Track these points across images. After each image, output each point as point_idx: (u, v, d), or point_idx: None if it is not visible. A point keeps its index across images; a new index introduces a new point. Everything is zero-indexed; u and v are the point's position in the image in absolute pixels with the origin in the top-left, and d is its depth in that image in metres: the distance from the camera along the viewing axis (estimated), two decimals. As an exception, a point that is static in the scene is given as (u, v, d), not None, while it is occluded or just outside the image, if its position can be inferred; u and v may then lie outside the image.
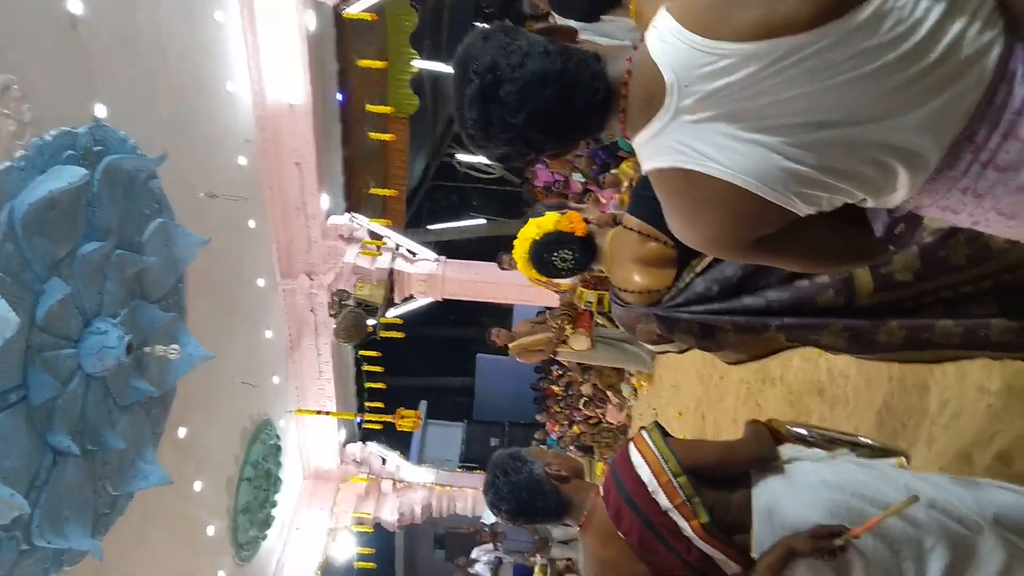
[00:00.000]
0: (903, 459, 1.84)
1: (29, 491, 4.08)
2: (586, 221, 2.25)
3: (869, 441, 1.94)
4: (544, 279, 2.43)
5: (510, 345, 7.26)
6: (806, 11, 0.99)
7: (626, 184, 7.48)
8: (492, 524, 9.21)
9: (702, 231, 1.16)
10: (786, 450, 1.84)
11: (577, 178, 9.14)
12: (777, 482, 1.73)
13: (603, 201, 8.03)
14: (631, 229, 1.97)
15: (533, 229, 2.29)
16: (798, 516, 1.66)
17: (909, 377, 3.05)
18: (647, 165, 1.15)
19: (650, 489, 1.71)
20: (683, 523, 1.67)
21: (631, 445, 1.80)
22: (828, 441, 1.91)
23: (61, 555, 4.52)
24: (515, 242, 2.35)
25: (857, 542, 1.59)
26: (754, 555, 1.69)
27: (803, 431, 1.93)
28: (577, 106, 1.10)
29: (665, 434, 1.79)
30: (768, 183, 1.06)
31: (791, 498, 1.69)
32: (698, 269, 1.91)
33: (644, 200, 1.95)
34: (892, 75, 1.01)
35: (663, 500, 1.69)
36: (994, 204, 1.11)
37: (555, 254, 2.22)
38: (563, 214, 2.27)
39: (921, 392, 2.95)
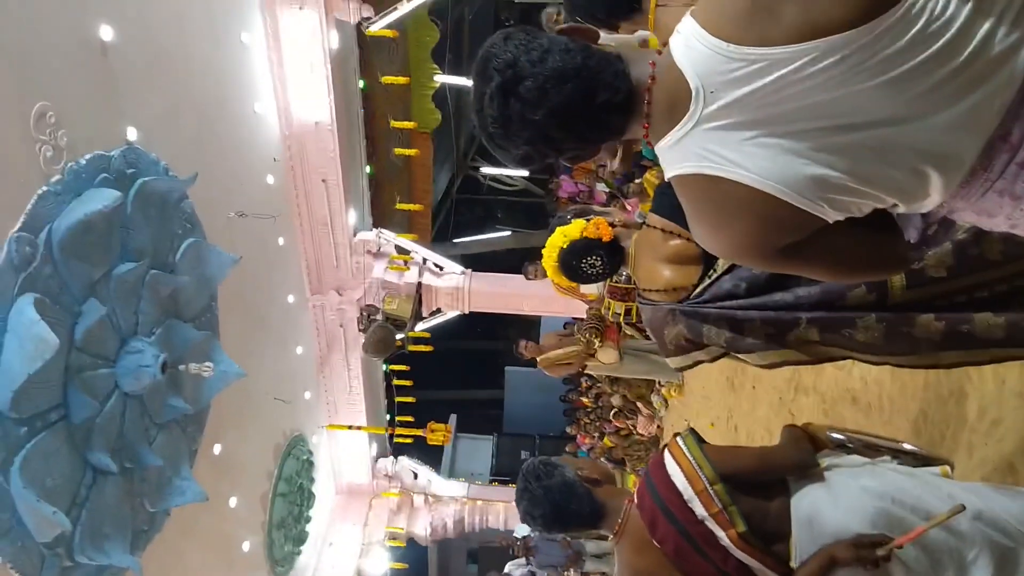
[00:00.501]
0: (947, 468, 1.79)
1: (70, 509, 4.17)
2: (612, 225, 2.26)
3: (911, 448, 1.89)
4: (573, 287, 2.45)
5: (538, 359, 7.23)
6: (839, 14, 0.98)
7: (651, 194, 7.44)
8: (524, 538, 9.14)
9: (727, 238, 1.14)
10: (825, 458, 1.80)
11: (601, 188, 9.12)
12: (817, 490, 1.69)
13: (629, 209, 8.01)
14: (655, 227, 1.97)
15: (560, 237, 2.30)
16: (839, 524, 1.62)
17: (945, 384, 2.98)
18: (670, 171, 1.14)
19: (685, 497, 1.68)
20: (720, 532, 1.64)
21: (666, 452, 1.77)
22: (868, 447, 1.87)
23: (102, 571, 4.59)
24: (543, 251, 2.36)
25: (899, 552, 1.56)
26: (793, 564, 1.65)
27: (842, 436, 1.89)
28: (598, 103, 1.07)
29: (700, 440, 1.76)
30: (796, 188, 1.05)
31: (831, 506, 1.65)
32: (725, 266, 1.88)
33: (667, 198, 1.95)
34: (922, 76, 1.00)
35: (699, 509, 1.66)
36: None
37: (584, 260, 2.24)
38: (588, 220, 2.28)
39: (958, 399, 2.88)
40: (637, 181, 7.54)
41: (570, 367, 6.96)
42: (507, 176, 15.33)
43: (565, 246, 2.28)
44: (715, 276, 1.89)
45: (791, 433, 1.83)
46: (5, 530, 3.78)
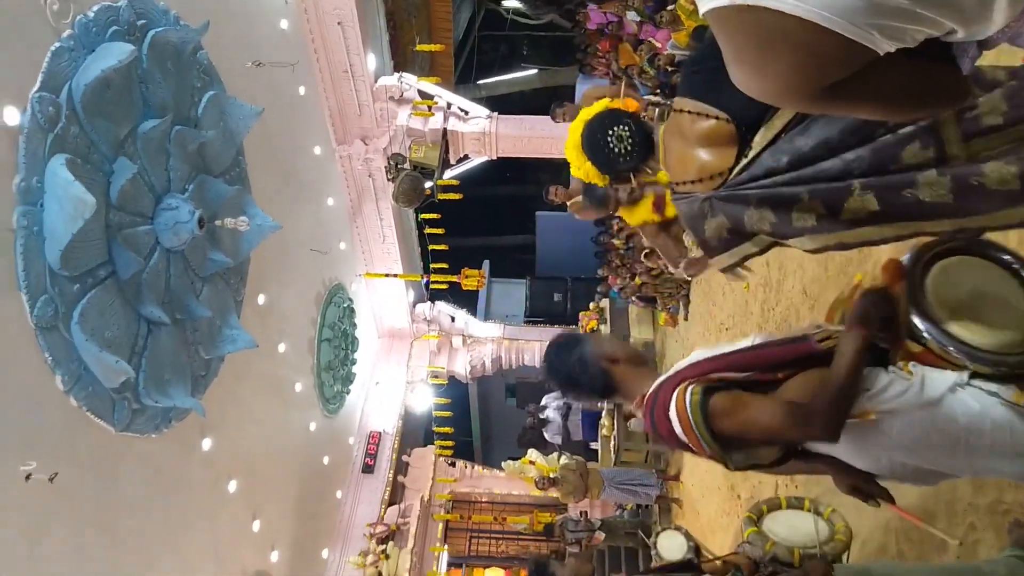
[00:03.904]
0: (1020, 394, 1.55)
1: (131, 358, 4.45)
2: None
3: (988, 357, 1.56)
4: (599, 179, 2.19)
5: (568, 203, 7.19)
6: None
7: (685, 22, 7.00)
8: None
9: (769, 78, 1.05)
10: (874, 398, 1.57)
11: (632, 17, 8.60)
12: (849, 447, 1.61)
13: (658, 44, 7.58)
14: (683, 111, 1.75)
15: (584, 116, 2.16)
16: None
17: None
18: (706, 5, 1.06)
19: (682, 440, 1.70)
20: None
21: (672, 401, 1.69)
22: (943, 345, 1.58)
23: (168, 413, 4.99)
24: (567, 140, 2.20)
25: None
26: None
27: (923, 327, 1.58)
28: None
29: (712, 390, 1.64)
30: (846, 16, 0.96)
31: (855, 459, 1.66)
32: (762, 144, 1.67)
33: (695, 78, 1.77)
34: None
35: (694, 448, 1.69)
36: None
37: (610, 131, 2.04)
38: (613, 100, 2.14)
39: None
40: (670, 8, 7.07)
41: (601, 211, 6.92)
42: (531, 9, 14.48)
43: (589, 118, 2.11)
44: (752, 155, 1.69)
45: (846, 355, 1.54)
46: (76, 378, 4.08)
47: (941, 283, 1.63)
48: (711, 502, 6.50)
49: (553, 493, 8.51)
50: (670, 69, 7.02)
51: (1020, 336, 1.56)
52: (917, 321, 1.59)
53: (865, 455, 1.64)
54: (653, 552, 3.78)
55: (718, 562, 2.78)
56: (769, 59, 1.02)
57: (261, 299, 6.63)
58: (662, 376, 1.78)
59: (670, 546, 3.80)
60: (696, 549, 3.77)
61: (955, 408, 1.54)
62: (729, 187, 1.73)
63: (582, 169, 2.14)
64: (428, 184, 8.29)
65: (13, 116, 3.66)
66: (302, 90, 7.53)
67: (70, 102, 3.93)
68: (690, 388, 1.65)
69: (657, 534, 3.93)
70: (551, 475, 8.44)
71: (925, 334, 1.58)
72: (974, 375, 1.56)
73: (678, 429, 1.68)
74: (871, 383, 1.59)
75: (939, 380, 1.56)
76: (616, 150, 2.02)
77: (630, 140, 2.00)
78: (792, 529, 2.78)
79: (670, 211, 4.14)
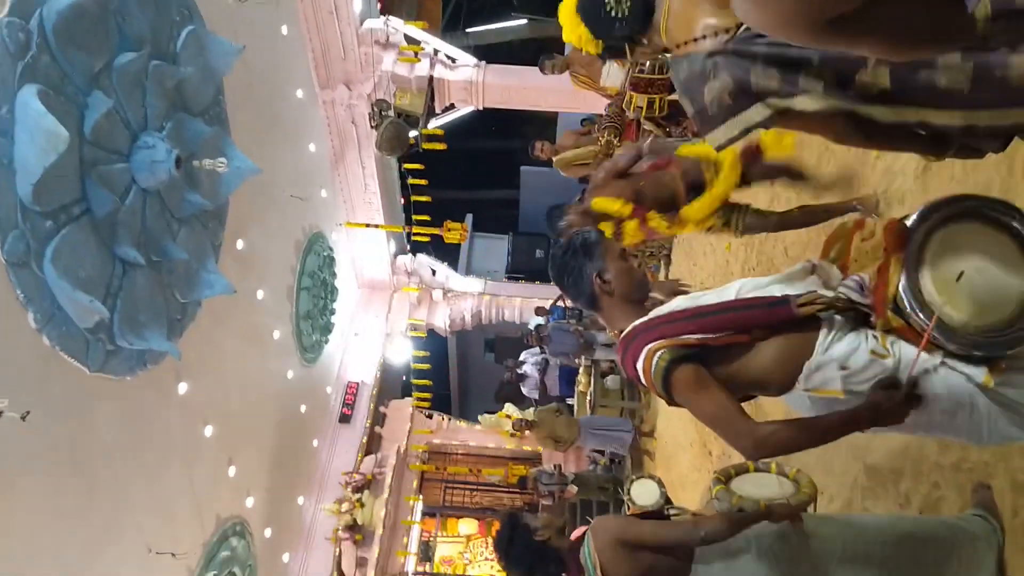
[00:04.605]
0: (990, 378, 1.52)
1: (105, 299, 4.37)
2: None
3: (968, 340, 1.51)
4: (593, 46, 2.09)
5: (554, 159, 7.13)
6: None
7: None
8: (538, 327, 9.63)
9: (773, 9, 1.06)
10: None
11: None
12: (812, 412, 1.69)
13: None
14: None
15: None
16: None
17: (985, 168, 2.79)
18: None
19: (643, 382, 1.77)
20: None
21: (641, 358, 1.73)
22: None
23: (143, 355, 4.93)
24: (562, 2, 2.10)
25: None
26: None
27: (910, 307, 1.52)
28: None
29: (680, 360, 1.68)
30: None
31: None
32: None
33: None
34: None
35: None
36: None
37: None
38: None
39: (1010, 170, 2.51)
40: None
41: (587, 168, 6.87)
42: (523, -43, 14.11)
43: None
44: None
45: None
46: (48, 316, 4.01)
47: (943, 252, 1.53)
48: (683, 458, 6.62)
49: (528, 445, 8.64)
50: None
51: (1008, 316, 1.49)
52: (906, 298, 1.53)
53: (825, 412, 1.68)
54: (626, 498, 3.86)
55: (688, 515, 2.84)
56: None
57: (240, 244, 6.53)
58: (641, 319, 1.79)
59: (643, 492, 3.89)
60: (667, 497, 3.86)
61: (923, 391, 1.55)
62: (740, 39, 1.63)
63: (575, 33, 2.05)
64: (412, 133, 8.15)
65: (-19, 42, 3.52)
66: (285, 29, 7.30)
67: (41, 30, 3.77)
68: (658, 353, 1.69)
69: (632, 481, 4.01)
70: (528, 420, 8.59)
71: (911, 312, 1.53)
72: (949, 354, 1.55)
73: (642, 377, 1.75)
74: (849, 361, 1.58)
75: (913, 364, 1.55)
76: (613, 13, 1.91)
77: (628, 3, 1.92)
78: (759, 487, 2.84)
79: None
